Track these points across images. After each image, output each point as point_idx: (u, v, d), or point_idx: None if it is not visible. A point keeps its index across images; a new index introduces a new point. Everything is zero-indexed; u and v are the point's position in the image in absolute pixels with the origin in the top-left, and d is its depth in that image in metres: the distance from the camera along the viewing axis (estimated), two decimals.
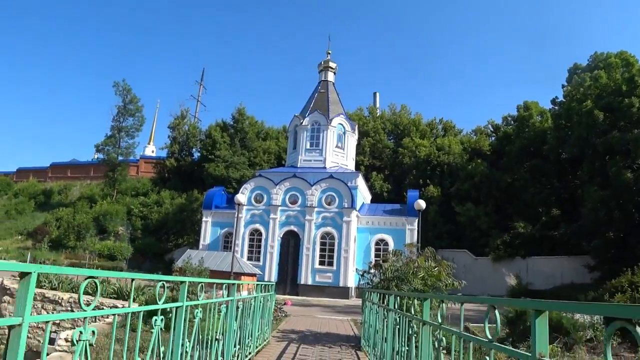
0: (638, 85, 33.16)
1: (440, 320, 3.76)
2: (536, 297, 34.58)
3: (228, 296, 6.35)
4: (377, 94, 76.28)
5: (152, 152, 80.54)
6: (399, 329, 5.55)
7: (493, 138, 52.14)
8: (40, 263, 13.64)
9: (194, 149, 59.73)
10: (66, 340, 11.10)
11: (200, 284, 5.09)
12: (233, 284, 5.97)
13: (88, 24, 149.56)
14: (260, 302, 8.39)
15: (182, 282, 4.29)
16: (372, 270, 11.55)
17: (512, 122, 50.19)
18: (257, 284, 9.20)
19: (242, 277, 27.49)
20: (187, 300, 4.12)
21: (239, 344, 6.62)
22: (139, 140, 75.44)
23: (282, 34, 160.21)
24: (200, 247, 37.18)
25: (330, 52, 43.67)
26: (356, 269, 12.01)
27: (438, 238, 42.49)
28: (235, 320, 6.26)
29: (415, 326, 4.72)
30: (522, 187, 42.55)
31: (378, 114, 59.72)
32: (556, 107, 45.28)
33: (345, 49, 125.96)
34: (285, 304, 16.49)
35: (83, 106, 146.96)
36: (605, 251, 32.93)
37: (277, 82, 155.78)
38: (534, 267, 38.62)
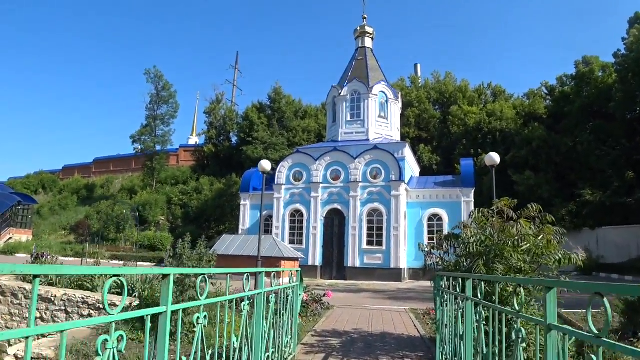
0: None
1: None
2: (610, 272, 30.41)
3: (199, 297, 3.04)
4: (419, 66, 71.63)
5: (196, 142, 78.47)
6: None
7: (548, 101, 47.00)
8: (39, 256, 10.41)
9: (231, 133, 56.86)
10: (16, 357, 7.93)
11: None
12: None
13: (122, 18, 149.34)
14: (271, 301, 4.91)
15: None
16: (444, 245, 7.79)
17: (569, 81, 45.05)
18: (280, 270, 5.81)
19: (282, 262, 24.32)
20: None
21: None
22: (175, 128, 73.35)
23: (315, 9, 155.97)
24: (240, 232, 34.25)
25: (366, 16, 39.71)
26: (419, 244, 8.29)
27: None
28: (206, 341, 2.89)
29: None
30: (586, 150, 37.74)
31: (421, 84, 55.18)
32: (619, 60, 39.89)
33: (381, 18, 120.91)
34: (325, 295, 13.02)
35: (124, 100, 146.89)
36: None
37: (313, 60, 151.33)
38: (605, 238, 34.28)
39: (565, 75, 46.15)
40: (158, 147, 53.19)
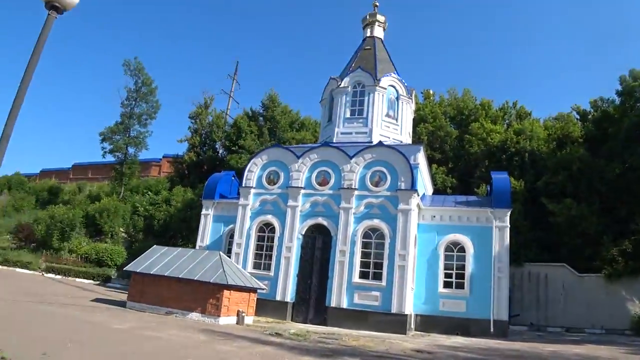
0: None
1: None
2: None
3: None
4: (430, 90, 62.76)
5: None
6: None
7: (584, 124, 37.94)
8: None
9: (217, 143, 47.51)
10: None
11: None
12: None
13: (115, 26, 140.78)
14: None
15: None
16: None
17: (606, 105, 36.46)
18: None
19: (226, 291, 14.93)
20: None
21: None
22: (153, 130, 63.70)
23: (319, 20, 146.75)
24: (197, 248, 24.77)
25: (377, 4, 31.23)
26: None
27: (525, 247, 28.86)
28: None
29: None
30: (639, 177, 28.89)
31: (436, 101, 45.83)
32: None
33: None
34: None
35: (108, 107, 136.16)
36: None
37: (316, 72, 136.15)
38: None
39: (601, 98, 37.51)
40: (131, 150, 44.08)
